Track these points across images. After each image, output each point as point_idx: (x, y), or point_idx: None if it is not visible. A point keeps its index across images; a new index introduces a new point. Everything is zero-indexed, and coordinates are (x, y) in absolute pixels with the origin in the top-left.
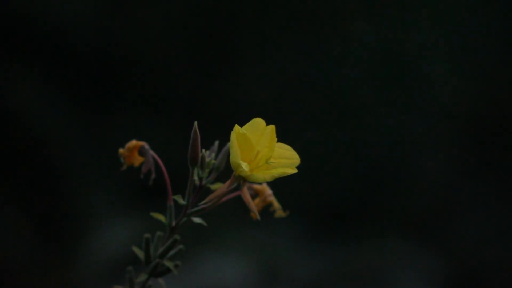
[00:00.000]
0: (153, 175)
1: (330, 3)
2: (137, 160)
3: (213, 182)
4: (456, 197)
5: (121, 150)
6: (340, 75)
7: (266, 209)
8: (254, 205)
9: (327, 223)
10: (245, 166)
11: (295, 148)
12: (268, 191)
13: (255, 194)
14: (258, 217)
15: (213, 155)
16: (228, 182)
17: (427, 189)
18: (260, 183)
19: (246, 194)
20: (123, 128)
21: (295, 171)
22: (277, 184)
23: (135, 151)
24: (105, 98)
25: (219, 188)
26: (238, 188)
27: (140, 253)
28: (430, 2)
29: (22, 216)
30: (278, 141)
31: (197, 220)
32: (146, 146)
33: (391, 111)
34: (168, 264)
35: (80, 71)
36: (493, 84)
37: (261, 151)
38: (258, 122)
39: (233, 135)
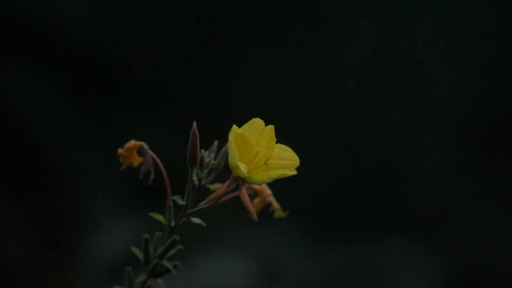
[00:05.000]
0: (152, 175)
1: (331, 2)
2: (136, 160)
3: (212, 183)
4: (456, 197)
5: (120, 150)
6: (340, 74)
7: (266, 209)
8: (252, 206)
9: (327, 223)
10: (243, 168)
11: (294, 149)
12: (268, 191)
13: (254, 194)
14: (256, 218)
15: (212, 155)
16: (227, 182)
17: (427, 189)
18: (259, 184)
19: (244, 195)
20: (122, 128)
21: (295, 172)
22: (277, 184)
23: (134, 151)
24: (104, 98)
25: (218, 188)
26: (237, 188)
27: (139, 254)
28: (431, 1)
29: (22, 217)
30: (277, 141)
31: (196, 220)
32: (145, 146)
33: (392, 111)
34: (168, 264)
35: (80, 71)
36: (494, 84)
37: (260, 152)
38: (257, 122)
39: (231, 136)
